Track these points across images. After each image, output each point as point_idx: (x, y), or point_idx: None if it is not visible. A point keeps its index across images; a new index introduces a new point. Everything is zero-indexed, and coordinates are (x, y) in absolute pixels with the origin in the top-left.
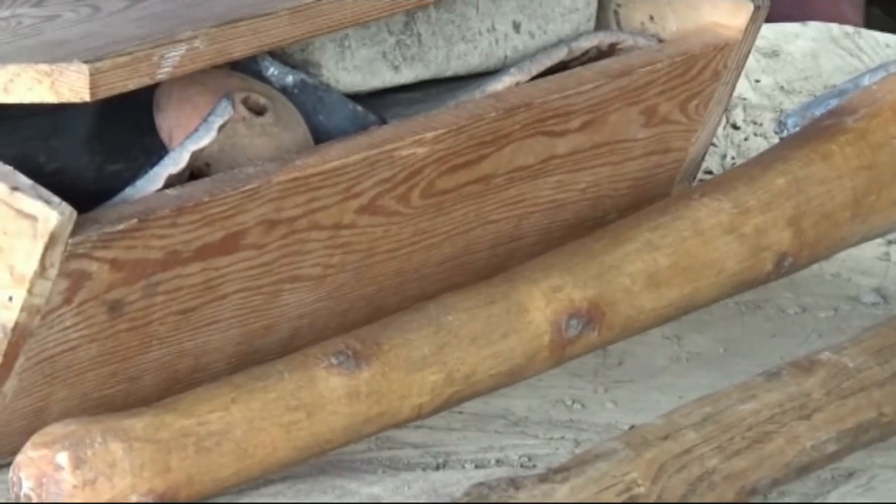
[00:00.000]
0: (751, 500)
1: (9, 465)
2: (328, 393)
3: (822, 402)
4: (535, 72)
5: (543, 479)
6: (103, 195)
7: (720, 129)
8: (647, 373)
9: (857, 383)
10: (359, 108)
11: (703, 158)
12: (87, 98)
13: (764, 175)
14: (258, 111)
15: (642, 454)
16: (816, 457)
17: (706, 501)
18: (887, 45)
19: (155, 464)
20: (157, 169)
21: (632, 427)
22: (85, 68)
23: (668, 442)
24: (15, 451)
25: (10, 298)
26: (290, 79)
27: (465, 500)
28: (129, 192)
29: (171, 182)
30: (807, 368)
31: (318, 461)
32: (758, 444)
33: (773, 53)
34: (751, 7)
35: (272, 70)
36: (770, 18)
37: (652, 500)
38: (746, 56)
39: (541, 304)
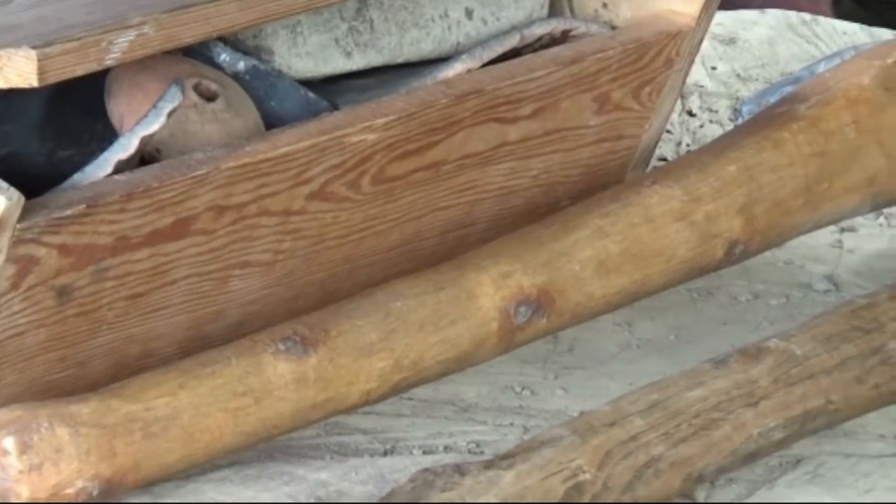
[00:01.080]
0: (697, 487)
1: None
2: (276, 379)
3: (769, 390)
4: (486, 58)
5: (489, 465)
6: (54, 181)
7: (675, 116)
8: (597, 360)
9: (805, 371)
10: (311, 94)
11: (656, 145)
12: (35, 83)
13: (715, 162)
14: (209, 97)
15: (588, 441)
16: (763, 444)
17: (652, 488)
18: (844, 33)
19: (101, 449)
20: (106, 154)
21: (580, 413)
22: (33, 54)
23: (614, 429)
24: None
25: None
26: (241, 65)
27: (410, 486)
28: (77, 177)
29: (121, 168)
30: (754, 356)
31: (266, 447)
32: (704, 431)
33: (730, 41)
34: None
35: (224, 56)
36: (727, 6)
37: (598, 487)
38: (700, 43)
39: (489, 290)
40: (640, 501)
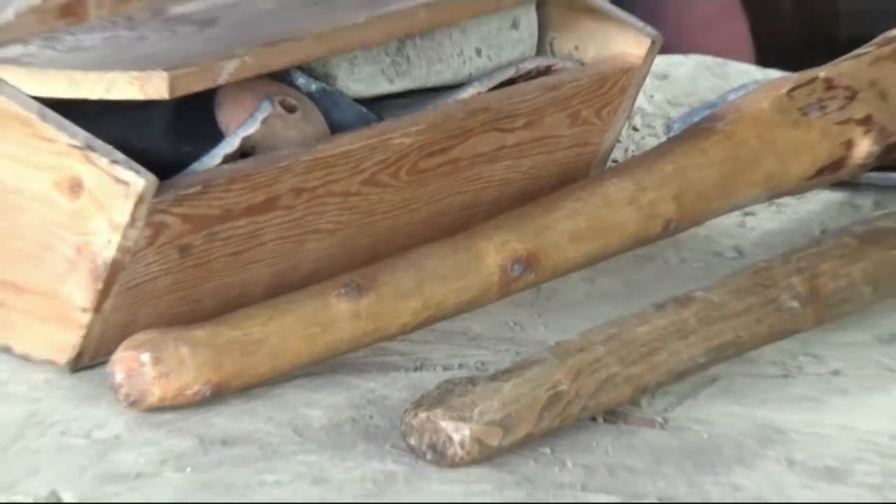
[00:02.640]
0: (642, 396)
1: (106, 362)
2: (338, 314)
3: (695, 327)
4: (491, 85)
5: (493, 378)
6: (178, 169)
7: (624, 131)
8: (569, 304)
9: (721, 314)
10: (363, 109)
11: (612, 151)
12: (166, 97)
13: (656, 163)
14: (290, 109)
15: (565, 362)
16: (690, 366)
17: (610, 396)
18: (746, 72)
19: (212, 363)
20: (215, 150)
21: (556, 343)
22: (165, 75)
23: (583, 353)
24: (111, 353)
25: (109, 241)
26: (313, 87)
27: (435, 392)
28: (195, 166)
29: (227, 160)
30: (684, 303)
31: (331, 363)
32: (648, 356)
33: (664, 76)
34: (648, 41)
35: (301, 80)
36: (662, 50)
37: (571, 395)
38: (644, 77)
39: (493, 253)
40: (601, 406)
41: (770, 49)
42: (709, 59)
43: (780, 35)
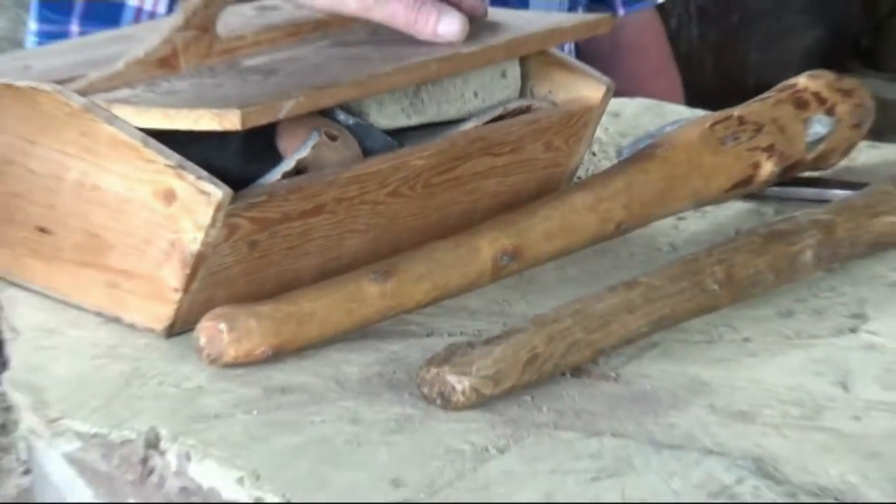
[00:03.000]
0: (600, 357)
1: (193, 330)
2: (369, 294)
3: (640, 304)
4: (485, 120)
5: (486, 342)
6: (247, 182)
7: (586, 155)
8: (544, 287)
9: (659, 294)
10: (388, 138)
11: (576, 170)
12: (239, 128)
13: (610, 180)
14: (333, 138)
15: (541, 330)
16: (636, 334)
17: (576, 357)
18: (678, 112)
19: (272, 331)
20: (276, 169)
21: (534, 315)
22: (238, 112)
23: (555, 324)
24: (196, 323)
25: (195, 238)
26: (350, 121)
27: (443, 353)
28: (261, 181)
29: (285, 176)
30: (631, 286)
31: (363, 331)
32: (605, 326)
33: (616, 114)
34: (604, 87)
35: (341, 115)
36: (614, 95)
37: (545, 356)
38: (602, 114)
39: (486, 247)
40: (568, 365)
41: (694, 94)
42: (649, 102)
43: (702, 83)
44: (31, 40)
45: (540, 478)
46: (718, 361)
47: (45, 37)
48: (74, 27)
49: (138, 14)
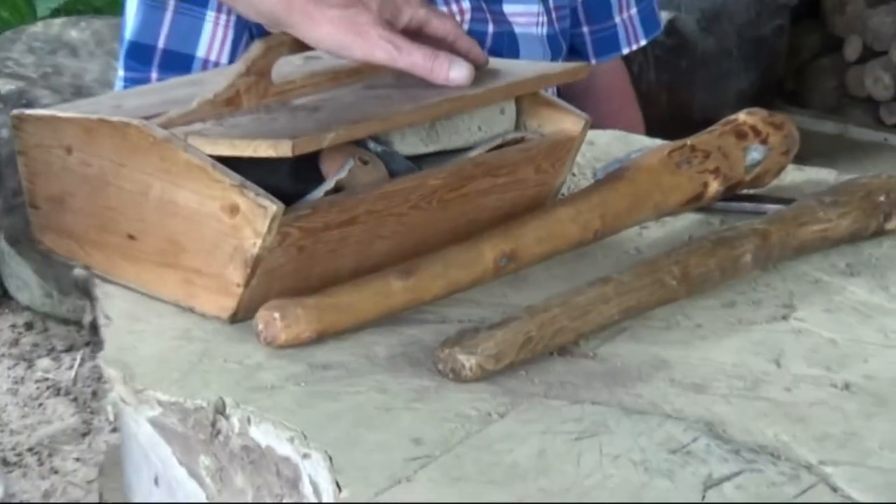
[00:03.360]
0: (581, 340)
1: (252, 317)
2: (394, 289)
3: (612, 296)
4: (487, 148)
5: (489, 328)
6: (296, 199)
7: (569, 176)
8: (536, 283)
9: (628, 288)
10: (409, 162)
11: (561, 189)
12: (290, 155)
13: (586, 197)
14: (365, 163)
15: (534, 318)
16: (610, 321)
17: (561, 339)
18: (641, 141)
19: (316, 318)
20: (320, 188)
21: (528, 306)
22: (290, 141)
23: (545, 313)
24: (255, 311)
25: (254, 243)
26: (379, 149)
27: (454, 335)
28: (307, 197)
29: (327, 194)
30: (606, 281)
31: (389, 320)
32: (584, 315)
33: (591, 143)
34: (583, 121)
35: (371, 144)
36: (591, 127)
37: (537, 339)
38: (581, 144)
39: (488, 251)
40: (556, 346)
41: (652, 126)
42: (618, 133)
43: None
44: (119, 84)
45: (533, 437)
46: (676, 343)
47: (130, 81)
48: (154, 74)
49: (205, 64)
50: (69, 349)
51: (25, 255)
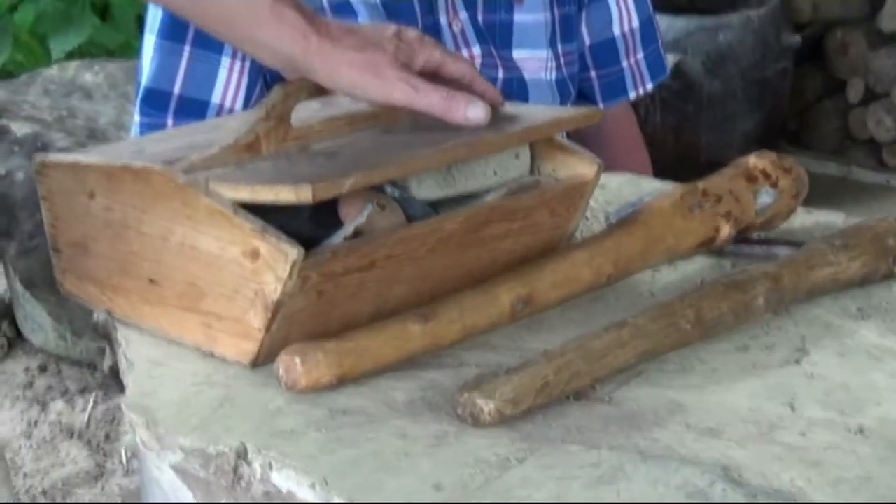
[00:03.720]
0: (596, 385)
1: (273, 362)
2: (412, 333)
3: (628, 341)
4: (502, 193)
5: (507, 372)
6: (316, 243)
7: (581, 220)
8: (551, 326)
9: (643, 332)
10: (427, 206)
11: (574, 232)
12: (311, 201)
13: (600, 241)
14: (382, 208)
15: (551, 362)
16: (625, 365)
17: (577, 384)
18: (652, 184)
19: (336, 363)
20: (339, 233)
21: (544, 351)
22: (310, 186)
23: (561, 357)
24: (275, 356)
25: (275, 288)
26: (396, 193)
27: (473, 379)
28: (327, 242)
29: (346, 239)
30: (621, 326)
31: (409, 364)
32: (600, 359)
33: (603, 186)
34: (596, 165)
35: (389, 189)
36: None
37: (554, 383)
38: (595, 188)
39: (504, 295)
40: (572, 390)
41: (658, 168)
42: (629, 176)
43: (664, 159)
44: (135, 129)
45: (551, 483)
46: (691, 387)
47: (146, 127)
48: (169, 120)
49: (220, 110)
50: (83, 391)
51: (40, 297)
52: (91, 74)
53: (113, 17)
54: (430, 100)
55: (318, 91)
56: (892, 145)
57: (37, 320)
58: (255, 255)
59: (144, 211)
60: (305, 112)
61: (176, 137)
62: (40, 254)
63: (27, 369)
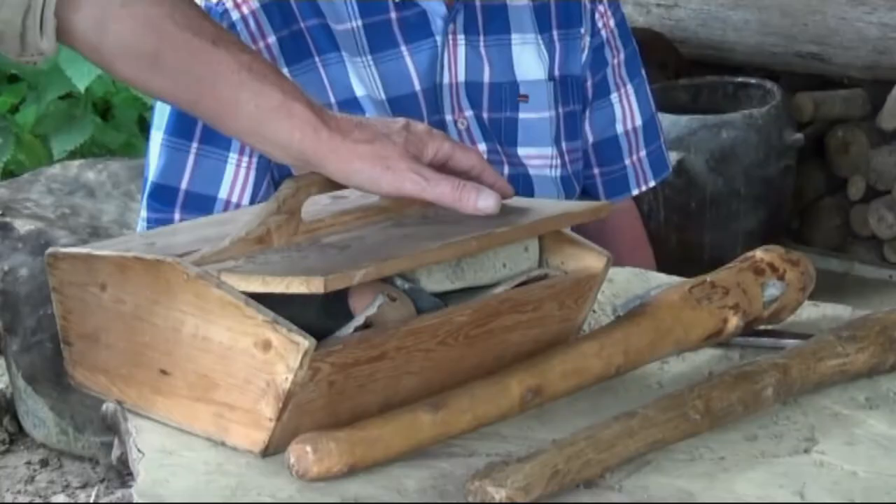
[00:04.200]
0: (607, 474)
1: (284, 451)
2: (423, 423)
3: (637, 430)
4: (512, 285)
5: (518, 461)
6: (327, 334)
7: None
8: (561, 416)
9: (652, 422)
10: (436, 299)
11: (583, 324)
12: (322, 291)
13: (609, 332)
14: (393, 300)
15: (561, 451)
16: (635, 454)
17: (587, 473)
18: (658, 278)
19: (347, 452)
20: (350, 324)
21: (554, 440)
22: (322, 279)
23: (571, 446)
24: (286, 445)
25: (287, 378)
26: (406, 286)
27: (483, 469)
28: (338, 333)
29: (356, 330)
30: (630, 416)
31: (420, 453)
32: (610, 448)
33: (610, 279)
34: (605, 259)
35: (398, 281)
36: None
37: (564, 472)
38: (603, 281)
39: (515, 385)
40: (583, 478)
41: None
42: (636, 270)
43: (668, 256)
44: (141, 225)
45: None
46: (700, 476)
47: (154, 222)
48: (176, 215)
49: (227, 205)
50: (84, 486)
51: (42, 392)
52: (94, 173)
53: (114, 116)
54: (441, 190)
55: (329, 185)
56: (894, 241)
57: (38, 415)
58: (266, 345)
59: (156, 302)
60: (315, 207)
61: (187, 231)
62: (42, 349)
63: (28, 464)
